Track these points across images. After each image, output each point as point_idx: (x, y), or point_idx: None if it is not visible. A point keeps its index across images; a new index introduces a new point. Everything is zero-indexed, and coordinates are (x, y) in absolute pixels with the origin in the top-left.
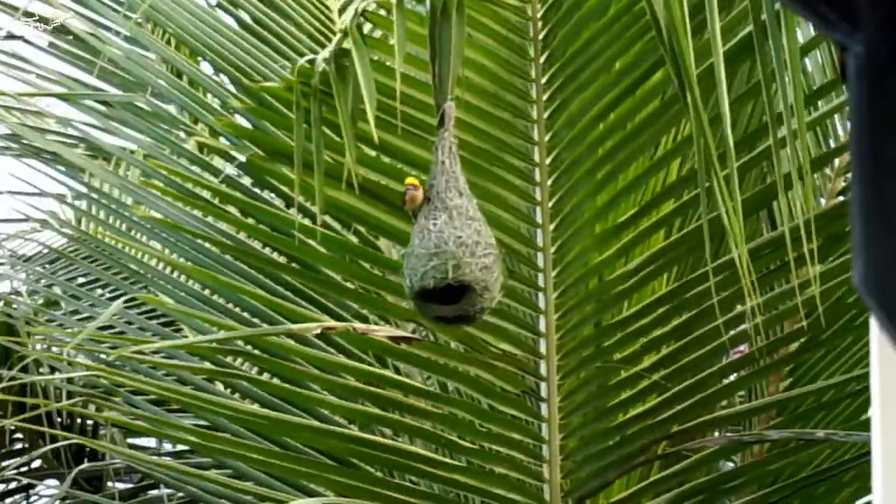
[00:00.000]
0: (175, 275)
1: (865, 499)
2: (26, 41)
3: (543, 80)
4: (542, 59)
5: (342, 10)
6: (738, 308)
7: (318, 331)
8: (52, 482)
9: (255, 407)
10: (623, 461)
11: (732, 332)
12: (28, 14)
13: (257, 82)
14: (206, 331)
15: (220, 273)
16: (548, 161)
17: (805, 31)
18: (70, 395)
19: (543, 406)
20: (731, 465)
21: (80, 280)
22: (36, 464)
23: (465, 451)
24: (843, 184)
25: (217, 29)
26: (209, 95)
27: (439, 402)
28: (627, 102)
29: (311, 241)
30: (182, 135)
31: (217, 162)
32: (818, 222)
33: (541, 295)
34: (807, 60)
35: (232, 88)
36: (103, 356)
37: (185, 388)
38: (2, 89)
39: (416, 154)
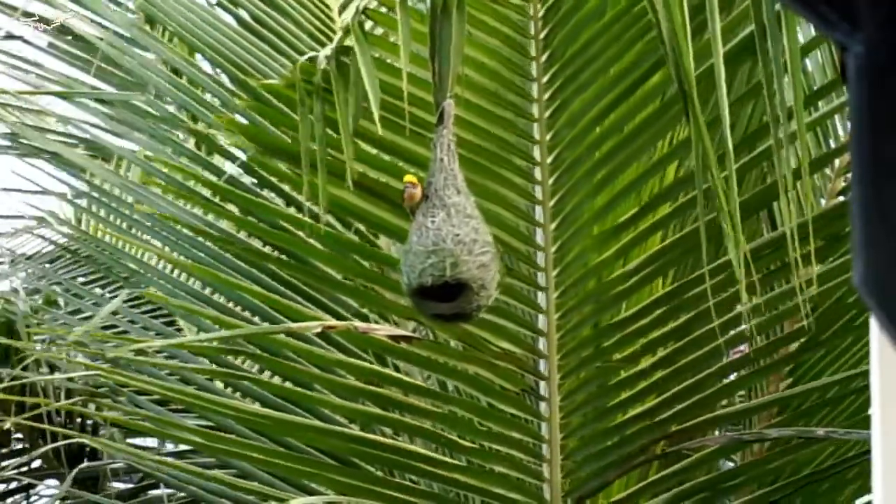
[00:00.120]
0: (175, 273)
1: (868, 497)
2: (26, 41)
3: (545, 80)
4: (543, 58)
5: (342, 9)
6: (738, 308)
7: (319, 329)
8: (52, 482)
9: (257, 406)
10: (623, 461)
11: (732, 332)
12: (27, 14)
13: (257, 80)
14: (208, 328)
15: (219, 271)
16: (549, 160)
17: (806, 31)
18: (70, 394)
19: (544, 405)
20: (730, 464)
21: (80, 280)
22: (36, 464)
23: (465, 450)
24: (843, 184)
25: (216, 27)
26: (209, 95)
27: (439, 400)
28: (629, 102)
29: (310, 240)
30: (183, 134)
31: (217, 160)
32: (818, 223)
33: (541, 294)
34: (807, 61)
35: (232, 87)
36: (101, 354)
37: (189, 388)
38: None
39: (415, 151)
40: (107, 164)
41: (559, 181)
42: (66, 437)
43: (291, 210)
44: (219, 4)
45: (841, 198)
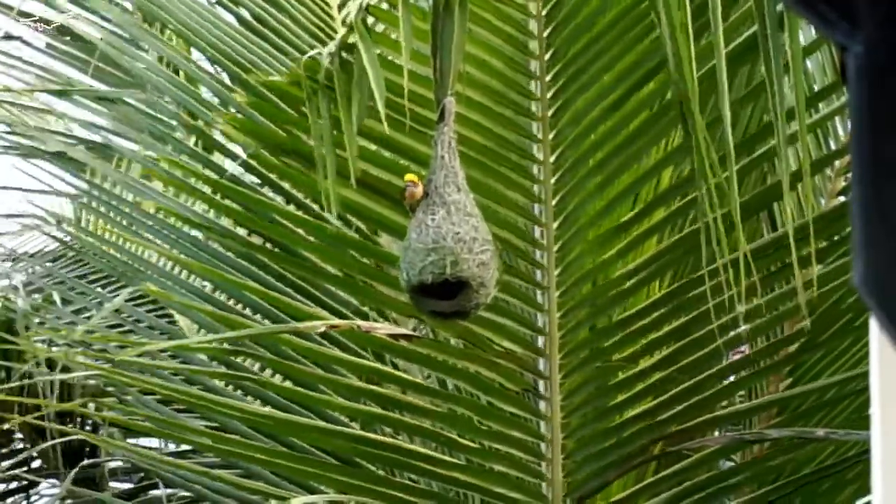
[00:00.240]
0: (176, 271)
1: (868, 497)
2: (24, 41)
3: (547, 78)
4: (545, 57)
5: (342, 7)
6: (739, 309)
7: (323, 329)
8: (53, 482)
9: (259, 406)
10: (624, 460)
11: (732, 333)
12: (25, 14)
13: (258, 78)
14: (208, 325)
15: (219, 269)
16: (551, 159)
17: (806, 33)
18: (72, 394)
19: (544, 404)
20: (730, 464)
21: (79, 278)
22: (36, 464)
23: (465, 449)
24: (844, 184)
25: (216, 25)
26: (209, 95)
27: (439, 398)
28: (632, 100)
29: (309, 237)
30: (183, 132)
31: (217, 158)
32: (818, 223)
33: (543, 293)
34: (808, 62)
35: (232, 86)
36: (102, 354)
37: (193, 389)
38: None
39: (416, 148)
40: (107, 163)
41: (561, 180)
42: (65, 434)
43: (291, 207)
44: (219, 3)
45: (841, 198)
